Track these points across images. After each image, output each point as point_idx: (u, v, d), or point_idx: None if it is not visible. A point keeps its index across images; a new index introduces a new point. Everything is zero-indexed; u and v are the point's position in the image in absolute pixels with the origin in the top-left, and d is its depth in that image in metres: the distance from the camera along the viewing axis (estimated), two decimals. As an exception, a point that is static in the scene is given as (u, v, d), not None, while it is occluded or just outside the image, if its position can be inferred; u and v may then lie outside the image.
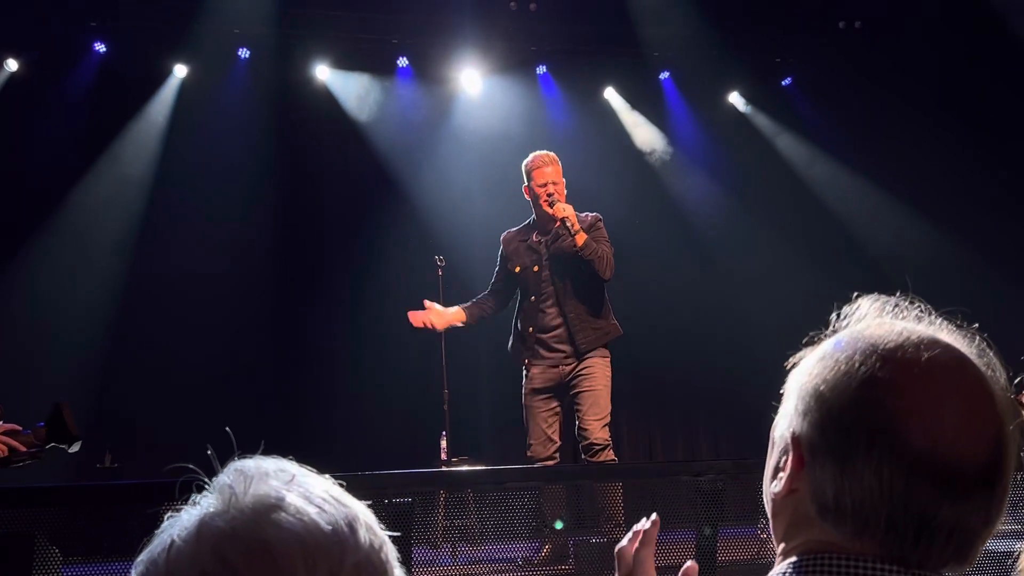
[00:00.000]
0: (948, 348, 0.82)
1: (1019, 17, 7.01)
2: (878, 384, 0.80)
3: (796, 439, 0.84)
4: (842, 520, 0.80)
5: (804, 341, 0.88)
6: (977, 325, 0.86)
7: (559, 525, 4.27)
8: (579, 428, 4.60)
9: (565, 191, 4.68)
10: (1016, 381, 0.88)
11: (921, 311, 0.87)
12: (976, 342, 0.85)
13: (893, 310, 0.88)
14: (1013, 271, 7.13)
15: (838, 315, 0.89)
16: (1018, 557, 1.19)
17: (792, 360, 0.88)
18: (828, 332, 0.88)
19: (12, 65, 7.30)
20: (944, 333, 0.84)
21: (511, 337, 4.89)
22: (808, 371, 0.85)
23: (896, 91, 7.92)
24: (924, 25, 7.57)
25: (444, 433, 5.67)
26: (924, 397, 0.79)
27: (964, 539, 0.79)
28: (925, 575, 0.79)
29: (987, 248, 7.46)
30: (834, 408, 0.81)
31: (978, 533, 0.80)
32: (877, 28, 7.98)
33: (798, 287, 7.78)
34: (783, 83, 8.69)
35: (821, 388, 0.82)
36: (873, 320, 0.87)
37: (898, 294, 0.89)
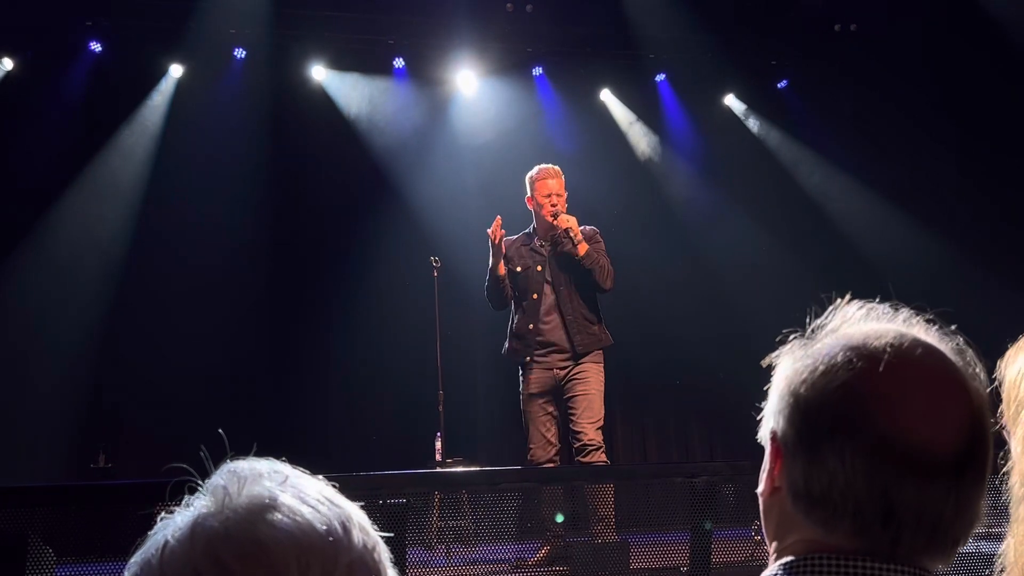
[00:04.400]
0: (919, 341, 0.84)
1: (1013, 20, 7.03)
2: (842, 371, 0.82)
3: (774, 436, 0.87)
4: (813, 508, 0.82)
5: (777, 340, 0.90)
6: (955, 326, 0.88)
7: (560, 518, 4.30)
8: (572, 430, 4.67)
9: (566, 204, 4.82)
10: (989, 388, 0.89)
11: (897, 312, 0.89)
12: (954, 340, 0.86)
13: (871, 312, 0.90)
14: (1005, 273, 7.15)
15: (812, 316, 0.91)
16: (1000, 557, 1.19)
17: (768, 360, 0.90)
18: (804, 332, 0.90)
19: (7, 64, 7.28)
20: (919, 330, 0.86)
21: (507, 339, 4.92)
22: (784, 371, 0.88)
23: (890, 94, 7.94)
24: (919, 28, 7.59)
25: (439, 434, 5.67)
26: (889, 382, 0.81)
27: (933, 526, 0.80)
28: (912, 570, 0.80)
29: (979, 250, 7.48)
30: (801, 400, 0.84)
31: (949, 522, 0.80)
32: (872, 31, 8.00)
33: (792, 288, 7.79)
34: (779, 85, 8.70)
35: (794, 384, 0.85)
36: (850, 320, 0.89)
37: (877, 299, 0.91)
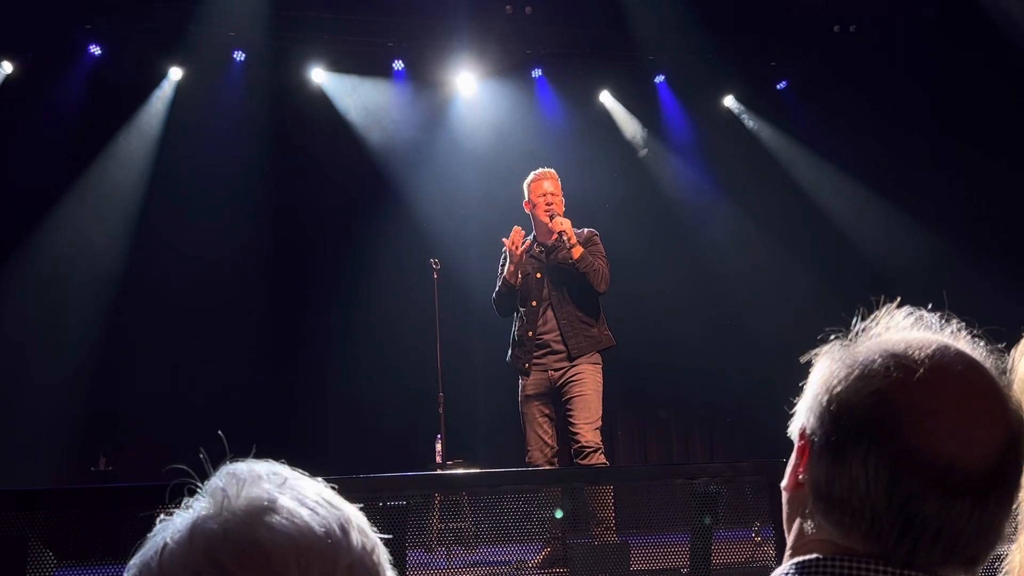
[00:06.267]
0: (962, 355, 0.83)
1: (1013, 22, 7.03)
2: (878, 378, 0.81)
3: (803, 432, 0.87)
4: (831, 510, 0.82)
5: (819, 337, 0.90)
6: (1004, 345, 0.86)
7: (559, 514, 4.29)
8: (570, 432, 4.68)
9: (563, 206, 4.85)
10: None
11: (947, 324, 0.88)
12: (1001, 360, 0.85)
13: (919, 321, 0.88)
14: (1005, 273, 7.15)
15: (859, 318, 0.90)
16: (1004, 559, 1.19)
17: (807, 356, 0.90)
18: (845, 335, 0.89)
19: (7, 67, 7.29)
20: (964, 344, 0.85)
21: (510, 347, 4.93)
22: (821, 370, 0.87)
23: (890, 95, 7.94)
24: (918, 29, 7.59)
25: (439, 436, 5.66)
26: (923, 394, 0.80)
27: (953, 542, 0.79)
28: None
29: (978, 250, 7.48)
30: (833, 401, 0.83)
31: (969, 540, 0.79)
32: (871, 32, 8.01)
33: (792, 290, 7.81)
34: (778, 87, 8.71)
35: (828, 384, 0.85)
36: (895, 327, 0.88)
37: (929, 306, 0.90)
